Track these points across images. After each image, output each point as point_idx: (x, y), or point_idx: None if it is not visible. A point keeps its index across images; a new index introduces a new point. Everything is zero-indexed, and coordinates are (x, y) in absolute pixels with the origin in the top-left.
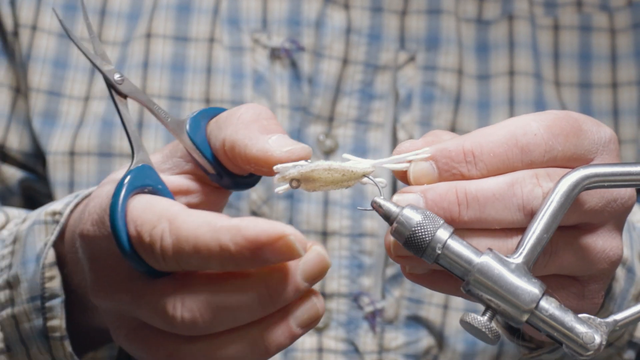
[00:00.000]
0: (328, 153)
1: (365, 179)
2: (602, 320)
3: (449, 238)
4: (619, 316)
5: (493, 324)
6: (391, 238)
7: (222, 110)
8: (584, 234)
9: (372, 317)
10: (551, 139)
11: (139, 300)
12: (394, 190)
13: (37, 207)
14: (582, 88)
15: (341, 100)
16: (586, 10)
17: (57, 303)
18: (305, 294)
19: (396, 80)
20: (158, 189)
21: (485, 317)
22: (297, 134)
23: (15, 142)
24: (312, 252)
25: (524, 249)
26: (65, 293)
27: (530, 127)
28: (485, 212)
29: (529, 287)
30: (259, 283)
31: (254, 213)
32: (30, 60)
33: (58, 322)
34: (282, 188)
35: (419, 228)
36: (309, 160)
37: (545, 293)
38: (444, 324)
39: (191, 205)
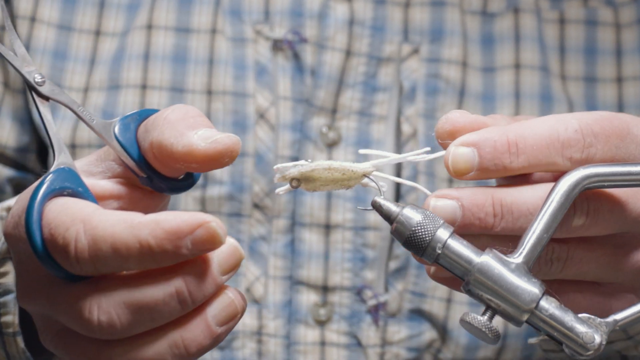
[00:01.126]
0: (331, 145)
1: (365, 179)
2: (602, 320)
3: (449, 238)
4: (619, 316)
5: (493, 324)
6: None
7: (154, 111)
8: (613, 242)
9: (375, 311)
10: (590, 137)
11: (57, 305)
12: (395, 190)
13: None
14: (588, 82)
15: (344, 92)
16: (592, 5)
17: (10, 299)
18: (219, 290)
19: (400, 73)
20: (78, 192)
21: (485, 317)
22: (299, 126)
23: (4, 136)
24: (226, 245)
25: (524, 249)
26: None
27: (571, 123)
28: (517, 225)
29: (529, 287)
30: (176, 278)
31: (256, 205)
32: (29, 52)
33: (11, 318)
34: (282, 189)
35: (419, 228)
36: (309, 160)
37: (545, 293)
38: (447, 317)
39: (123, 210)
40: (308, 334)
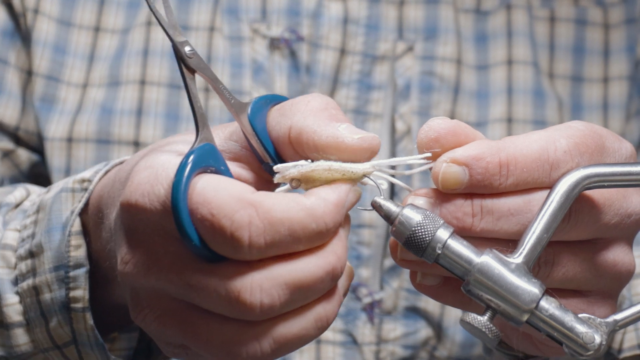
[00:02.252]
0: None
1: (365, 179)
2: (602, 320)
3: (449, 238)
4: (619, 316)
5: (493, 324)
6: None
7: (285, 98)
8: (593, 247)
9: (371, 309)
10: (577, 157)
11: (199, 284)
12: (394, 190)
13: None
14: (574, 81)
15: (339, 90)
16: (582, 4)
17: (81, 273)
18: None
19: (394, 71)
20: (220, 170)
21: (485, 317)
22: None
23: (31, 124)
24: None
25: (524, 249)
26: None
27: (560, 144)
28: (497, 226)
29: (529, 287)
30: (330, 254)
31: None
32: (32, 43)
33: (81, 292)
34: (282, 189)
35: (419, 228)
36: (309, 160)
37: (545, 293)
38: (442, 314)
39: None
40: None
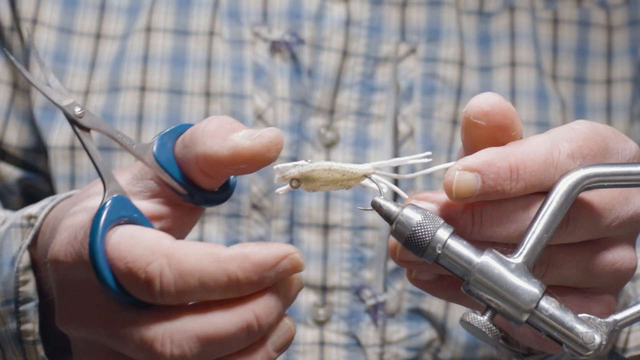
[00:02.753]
0: (329, 146)
1: (365, 180)
2: (602, 320)
3: (449, 238)
4: (619, 316)
5: (493, 324)
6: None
7: (188, 126)
8: (592, 248)
9: (374, 310)
10: (580, 159)
11: (118, 333)
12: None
13: None
14: (577, 83)
15: (342, 92)
16: (585, 5)
17: (30, 307)
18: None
19: (397, 73)
20: (134, 218)
21: (485, 317)
22: (297, 127)
23: (14, 138)
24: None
25: (524, 249)
26: (40, 297)
27: (564, 147)
28: (496, 232)
29: (529, 287)
30: (247, 310)
31: (255, 206)
32: (30, 54)
33: (31, 326)
34: (282, 189)
35: (419, 228)
36: (309, 160)
37: (545, 293)
38: (446, 316)
39: (165, 230)
40: (307, 334)
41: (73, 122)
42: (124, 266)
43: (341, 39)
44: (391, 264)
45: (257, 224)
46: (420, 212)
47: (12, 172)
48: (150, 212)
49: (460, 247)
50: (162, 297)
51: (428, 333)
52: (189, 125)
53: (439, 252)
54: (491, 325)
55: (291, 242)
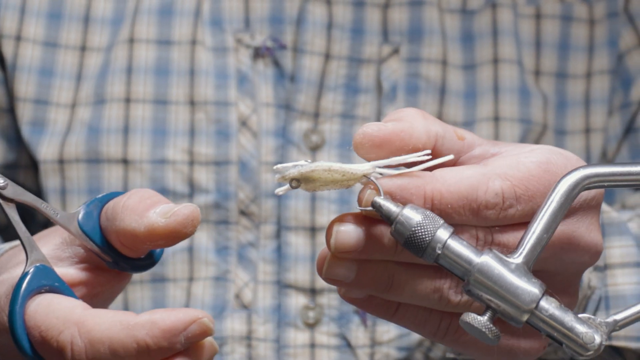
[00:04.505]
0: (315, 149)
1: (365, 180)
2: (602, 320)
3: (449, 238)
4: (619, 316)
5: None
6: (324, 254)
7: (115, 194)
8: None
9: (363, 311)
10: (511, 199)
11: None
12: None
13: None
14: (559, 78)
15: (326, 95)
16: (568, 0)
17: None
18: None
19: (380, 73)
20: (55, 287)
21: (486, 317)
22: (282, 132)
23: None
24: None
25: (524, 249)
26: None
27: (494, 185)
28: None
29: (529, 287)
30: None
31: (243, 212)
32: (16, 71)
33: None
34: (282, 189)
35: (419, 228)
36: (309, 160)
37: (545, 293)
38: None
39: (93, 295)
40: (298, 337)
41: None
42: (39, 335)
43: (323, 42)
44: None
45: (246, 229)
46: (420, 212)
47: None
48: (77, 279)
49: (460, 247)
50: None
51: None
52: (117, 194)
53: (439, 252)
54: (491, 325)
55: (280, 246)
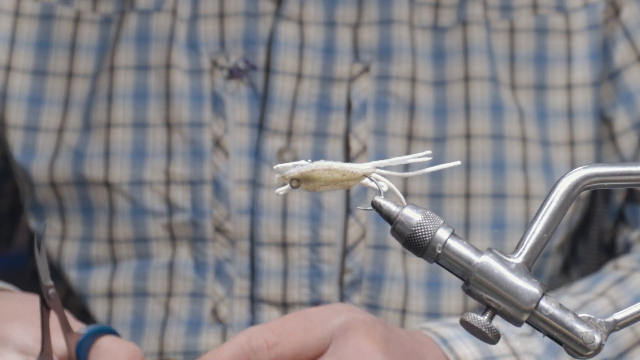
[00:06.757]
0: None
1: (365, 180)
2: (602, 320)
3: (449, 238)
4: (619, 316)
5: (493, 324)
6: None
7: (110, 331)
8: None
9: None
10: (272, 338)
11: None
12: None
13: None
14: (538, 90)
15: (298, 113)
16: (542, 12)
17: None
18: None
19: (350, 91)
20: None
21: (485, 317)
22: (255, 151)
23: None
24: None
25: (524, 249)
26: None
27: (254, 336)
28: None
29: (529, 287)
30: None
31: (218, 229)
32: (6, 100)
33: None
34: (282, 189)
35: (419, 228)
36: (309, 160)
37: (545, 293)
38: (403, 327)
39: None
40: None
41: (43, 301)
42: None
43: (295, 62)
44: (347, 278)
45: (223, 246)
46: (420, 211)
47: None
48: None
49: (460, 247)
50: None
51: None
52: (112, 330)
53: (439, 252)
54: (491, 325)
55: (253, 262)
